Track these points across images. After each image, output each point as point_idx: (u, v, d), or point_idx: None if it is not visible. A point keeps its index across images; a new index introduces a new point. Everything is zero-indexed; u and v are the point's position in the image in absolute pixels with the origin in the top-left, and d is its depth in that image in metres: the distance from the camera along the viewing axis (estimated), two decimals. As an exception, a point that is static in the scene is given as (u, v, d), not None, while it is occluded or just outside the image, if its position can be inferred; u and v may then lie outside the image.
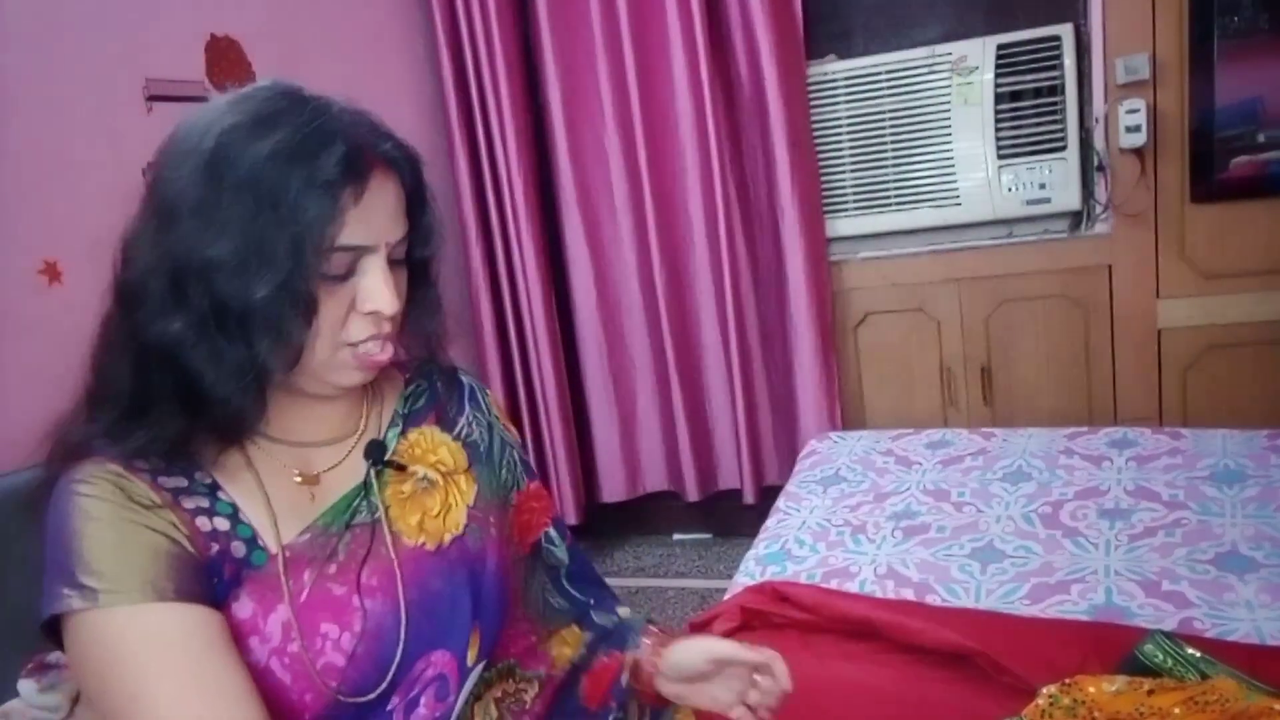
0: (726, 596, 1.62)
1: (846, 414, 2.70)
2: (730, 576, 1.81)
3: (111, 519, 0.73)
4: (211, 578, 0.76)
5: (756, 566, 1.72)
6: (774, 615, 1.49)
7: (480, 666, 0.88)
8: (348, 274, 0.78)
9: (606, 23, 2.62)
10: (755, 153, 2.60)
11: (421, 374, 0.97)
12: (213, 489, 0.80)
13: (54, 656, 1.16)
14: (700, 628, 1.54)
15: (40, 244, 1.59)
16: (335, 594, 0.79)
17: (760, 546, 1.81)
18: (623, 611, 1.08)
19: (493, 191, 2.77)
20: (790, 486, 2.06)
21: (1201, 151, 2.26)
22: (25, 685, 1.15)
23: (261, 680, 0.75)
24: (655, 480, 2.92)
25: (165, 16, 1.89)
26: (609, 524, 3.03)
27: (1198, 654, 1.21)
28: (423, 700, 0.82)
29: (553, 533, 1.05)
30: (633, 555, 2.98)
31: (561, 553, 1.06)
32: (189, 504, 0.77)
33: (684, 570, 2.86)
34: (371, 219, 0.77)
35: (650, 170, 2.64)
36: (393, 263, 0.81)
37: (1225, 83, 2.21)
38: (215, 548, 0.77)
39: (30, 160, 1.61)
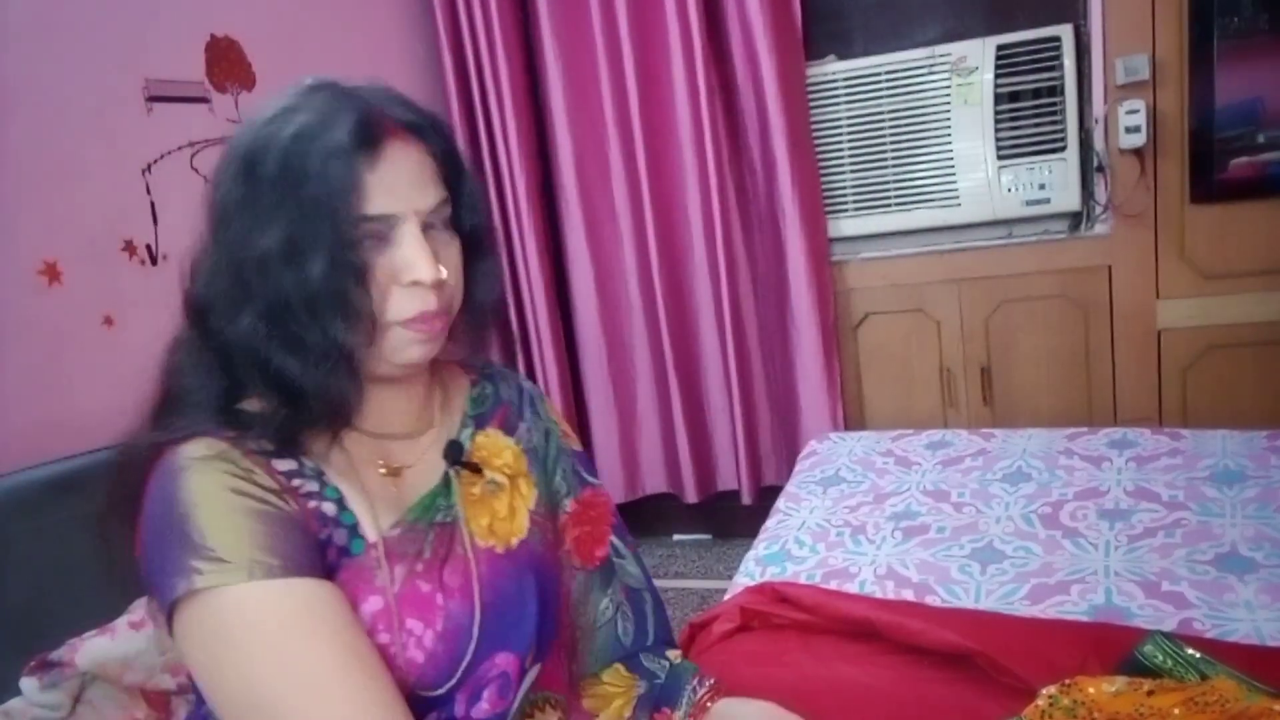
0: (726, 597, 1.62)
1: (847, 414, 2.71)
2: (730, 577, 1.81)
3: (229, 495, 0.73)
4: (323, 554, 0.78)
5: (756, 567, 1.72)
6: (774, 616, 1.49)
7: (536, 669, 0.90)
8: (379, 247, 0.77)
9: (606, 23, 2.62)
10: (754, 153, 2.60)
11: (485, 376, 0.99)
12: (319, 474, 0.81)
13: (55, 655, 1.17)
14: (700, 628, 1.54)
15: (40, 244, 1.59)
16: (423, 591, 0.81)
17: (760, 547, 1.81)
18: (673, 655, 1.07)
19: (494, 192, 2.77)
20: (790, 487, 2.06)
21: (1201, 152, 2.26)
22: (27, 684, 1.15)
23: None
24: (655, 482, 2.92)
25: (165, 16, 1.89)
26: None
27: (1198, 654, 1.21)
28: (485, 695, 0.83)
29: (618, 543, 1.05)
30: (632, 555, 2.98)
31: (633, 567, 1.06)
32: (301, 488, 0.79)
33: (684, 571, 2.86)
34: (394, 186, 0.77)
35: (649, 172, 2.64)
36: (434, 231, 0.80)
37: (1225, 83, 2.21)
38: (326, 532, 0.78)
39: (30, 160, 1.61)
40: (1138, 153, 2.30)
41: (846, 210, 2.61)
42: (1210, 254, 2.31)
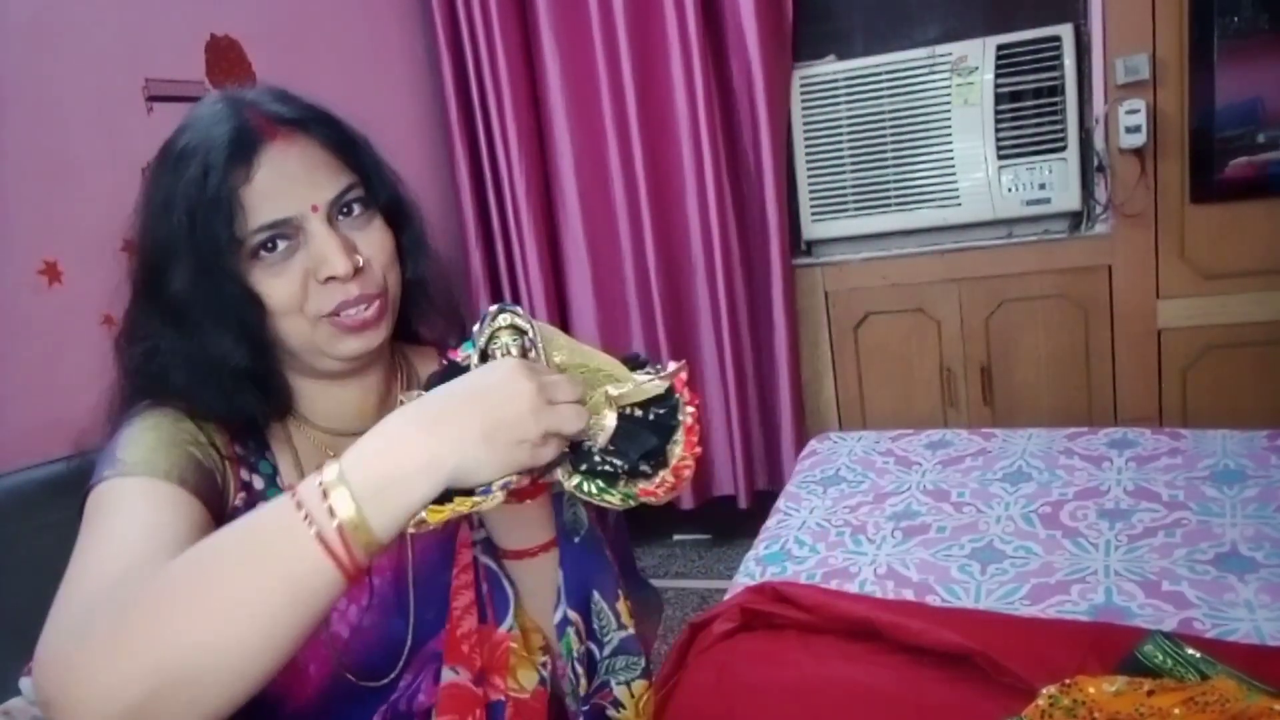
0: (726, 597, 1.62)
1: (844, 414, 2.71)
2: (730, 577, 1.81)
3: (164, 428, 0.77)
4: (222, 516, 0.78)
5: (756, 567, 1.72)
6: (774, 616, 1.49)
7: None
8: (293, 248, 0.77)
9: (605, 24, 2.61)
10: (749, 155, 2.61)
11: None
12: (263, 447, 0.83)
13: (54, 656, 1.16)
14: (700, 628, 1.54)
15: (40, 244, 1.59)
16: None
17: (760, 547, 1.81)
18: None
19: (493, 192, 2.77)
20: (790, 486, 2.06)
21: (1201, 152, 2.26)
22: (27, 684, 1.15)
23: None
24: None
25: (165, 16, 1.89)
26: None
27: (1198, 654, 1.21)
28: (423, 686, 0.82)
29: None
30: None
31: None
32: (238, 450, 0.81)
33: (684, 570, 2.86)
34: (279, 189, 0.76)
35: (647, 173, 2.64)
36: (349, 219, 0.80)
37: (1225, 83, 2.21)
38: (243, 497, 0.80)
39: (30, 160, 1.61)
40: (1138, 153, 2.30)
41: (847, 210, 2.61)
42: (1210, 254, 2.31)
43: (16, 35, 1.61)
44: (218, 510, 0.77)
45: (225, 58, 2.02)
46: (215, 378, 0.78)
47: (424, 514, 0.63)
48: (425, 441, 0.61)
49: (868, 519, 1.81)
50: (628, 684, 0.89)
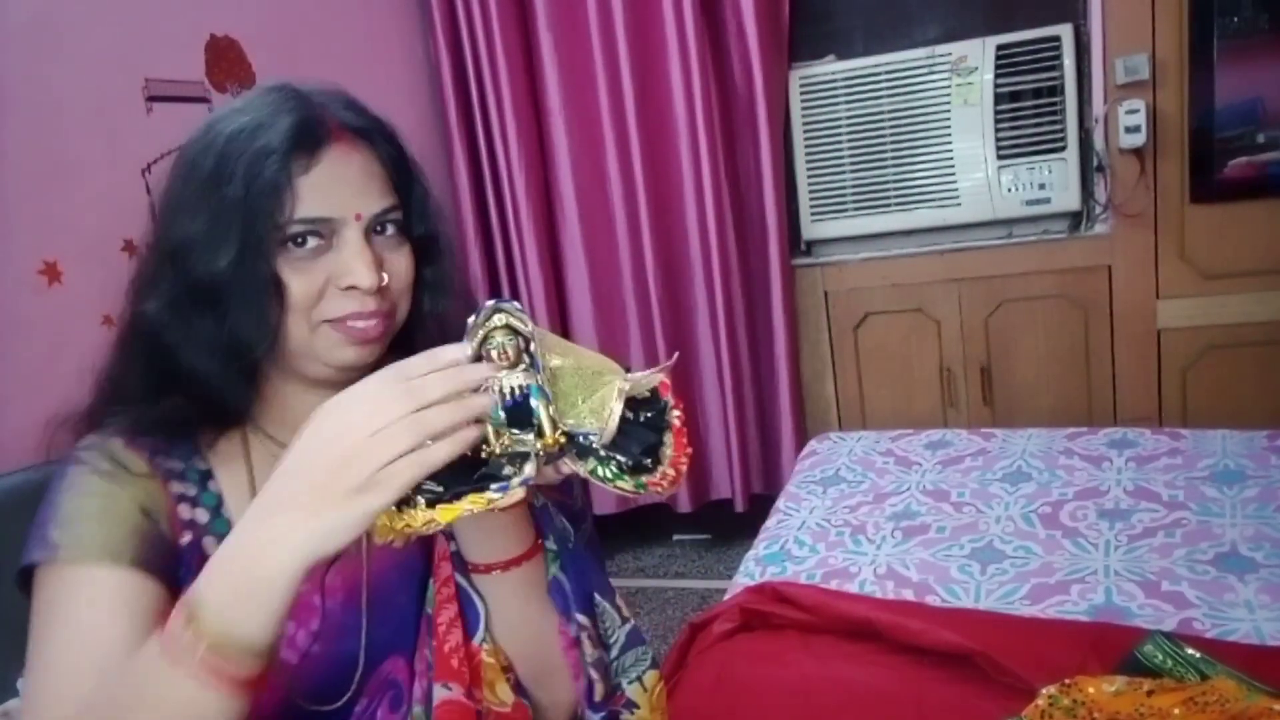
0: (726, 597, 1.62)
1: (844, 414, 2.70)
2: (730, 577, 1.81)
3: (95, 486, 0.76)
4: (178, 563, 0.77)
5: (756, 567, 1.72)
6: (774, 616, 1.49)
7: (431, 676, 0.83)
8: (322, 249, 0.77)
9: (603, 24, 2.61)
10: (747, 155, 2.61)
11: None
12: (205, 477, 0.81)
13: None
14: (700, 628, 1.54)
15: (40, 244, 1.59)
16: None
17: (760, 547, 1.81)
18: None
19: (493, 192, 2.77)
20: (790, 487, 2.06)
21: (1201, 152, 2.27)
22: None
23: None
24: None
25: (165, 16, 1.89)
26: (607, 528, 3.02)
27: (1197, 654, 1.21)
28: (379, 712, 0.79)
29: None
30: (632, 556, 2.98)
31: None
32: (177, 488, 0.79)
33: (683, 571, 2.86)
34: (331, 190, 0.76)
35: (646, 174, 2.64)
36: (382, 237, 0.80)
37: (1225, 83, 2.22)
38: (189, 537, 0.78)
39: (30, 160, 1.61)
40: (1138, 153, 2.30)
41: (846, 210, 2.61)
42: (1210, 254, 2.31)
43: (16, 35, 1.61)
44: (171, 565, 0.77)
45: (225, 58, 2.02)
46: (228, 363, 0.77)
47: (435, 514, 0.63)
48: (269, 537, 0.61)
49: (868, 519, 1.81)
50: (639, 679, 0.88)
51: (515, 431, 0.65)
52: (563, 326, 2.87)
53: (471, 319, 0.66)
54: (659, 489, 0.67)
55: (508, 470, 0.65)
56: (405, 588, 0.82)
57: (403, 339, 0.84)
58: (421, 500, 0.64)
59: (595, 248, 2.78)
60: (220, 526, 0.79)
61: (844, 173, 2.59)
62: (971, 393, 2.58)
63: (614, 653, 0.87)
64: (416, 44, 2.73)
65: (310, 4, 2.31)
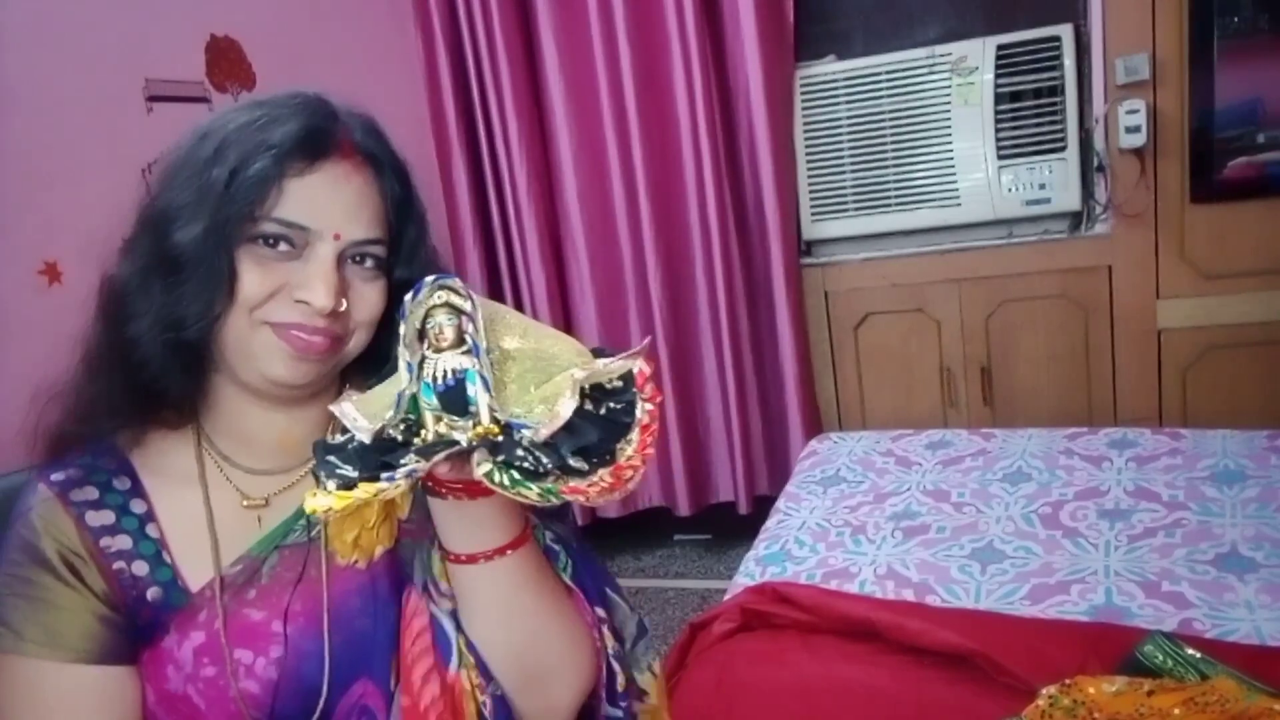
0: (726, 597, 1.62)
1: (844, 414, 2.70)
2: (730, 577, 1.81)
3: (41, 573, 0.76)
4: (129, 626, 0.78)
5: (756, 567, 1.72)
6: (774, 616, 1.49)
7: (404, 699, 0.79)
8: (289, 255, 0.75)
9: (604, 23, 2.61)
10: (748, 155, 2.61)
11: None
12: (143, 521, 0.80)
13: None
14: (700, 628, 1.54)
15: (40, 244, 1.59)
16: (253, 619, 0.77)
17: (760, 547, 1.81)
18: None
19: (494, 192, 2.77)
20: (790, 487, 2.06)
21: (1201, 152, 2.26)
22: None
23: (179, 706, 0.76)
24: (648, 496, 2.88)
25: (165, 16, 1.89)
26: (607, 527, 3.03)
27: (1198, 654, 1.21)
28: None
29: None
30: (632, 556, 2.98)
31: None
32: (111, 546, 0.78)
33: (684, 571, 2.86)
34: (319, 201, 0.75)
35: (647, 174, 2.64)
36: (359, 268, 0.78)
37: (1225, 83, 2.21)
38: (132, 594, 0.78)
39: (30, 160, 1.61)
40: (1138, 153, 2.30)
41: (847, 210, 2.60)
42: (1210, 254, 2.31)
43: (16, 35, 1.61)
44: (123, 647, 0.77)
45: (225, 58, 2.03)
46: (169, 343, 0.76)
47: (332, 501, 0.60)
48: None
49: (868, 519, 1.81)
50: (649, 668, 0.87)
51: (454, 418, 0.61)
52: (565, 326, 2.87)
53: (409, 296, 0.62)
54: (582, 496, 0.61)
55: (406, 460, 0.61)
56: (367, 610, 0.79)
57: (356, 370, 0.82)
58: (331, 484, 0.61)
59: (597, 247, 2.78)
60: (163, 575, 0.78)
61: (844, 173, 2.59)
62: (971, 393, 2.58)
63: (627, 645, 0.85)
64: (417, 43, 2.73)
65: (310, 4, 2.31)
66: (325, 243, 0.75)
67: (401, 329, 0.62)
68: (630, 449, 0.60)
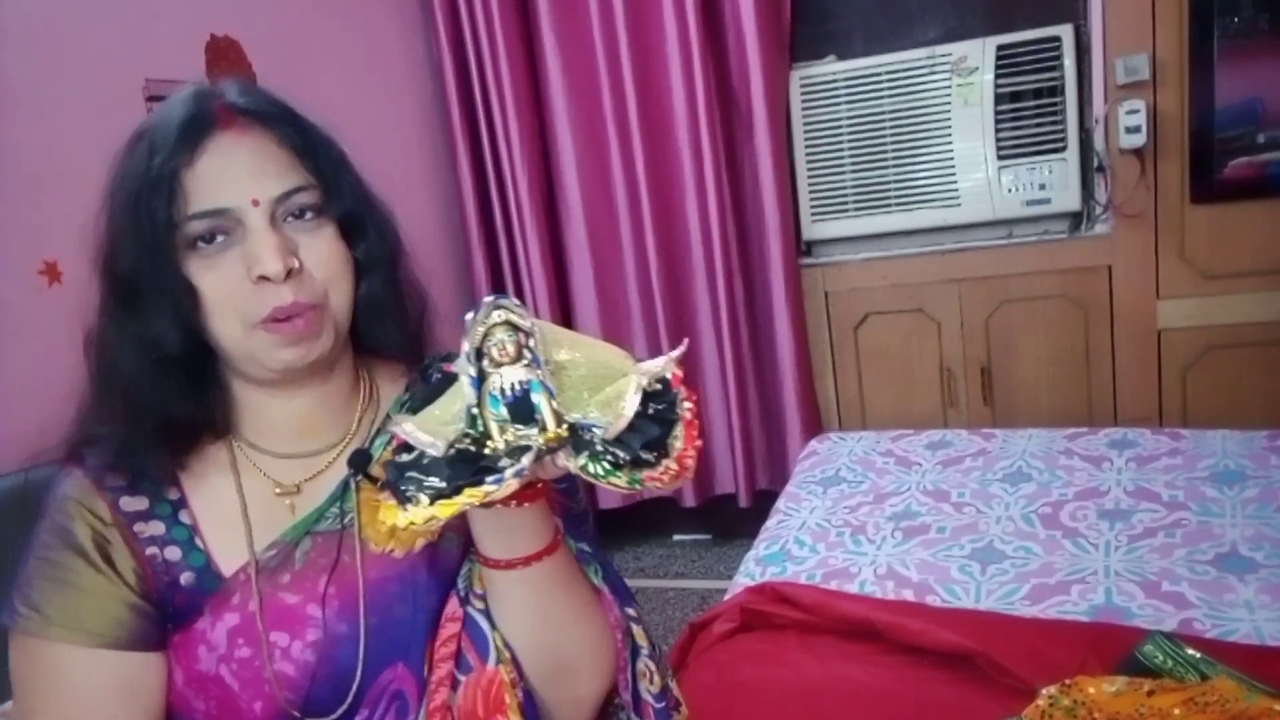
0: (726, 597, 1.62)
1: (844, 414, 2.70)
2: (730, 577, 1.81)
3: (72, 557, 0.77)
4: (160, 613, 0.78)
5: (756, 567, 1.72)
6: (774, 616, 1.49)
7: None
8: (229, 243, 0.75)
9: (605, 23, 2.61)
10: (748, 155, 2.61)
11: (424, 377, 0.89)
12: (176, 508, 0.80)
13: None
14: (700, 628, 1.54)
15: (40, 244, 1.59)
16: (288, 602, 0.78)
17: (760, 547, 1.81)
18: None
19: (496, 192, 2.77)
20: (790, 487, 2.06)
21: (1201, 152, 2.26)
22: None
23: (213, 688, 0.76)
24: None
25: (165, 16, 1.89)
26: (608, 525, 3.03)
27: (1198, 654, 1.21)
28: (385, 718, 0.79)
29: None
30: (632, 556, 2.98)
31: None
32: (144, 531, 0.79)
33: (684, 571, 2.86)
34: (220, 178, 0.74)
35: (648, 173, 2.65)
36: (299, 223, 0.77)
37: (1225, 83, 2.21)
38: (164, 580, 0.78)
39: (30, 160, 1.61)
40: (1138, 153, 2.30)
41: (847, 210, 2.61)
42: (1210, 254, 2.31)
43: (16, 35, 1.61)
44: (157, 623, 0.78)
45: (225, 58, 2.02)
46: (157, 366, 0.77)
47: (435, 510, 0.63)
48: None
49: (868, 519, 1.81)
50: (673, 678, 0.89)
51: (519, 427, 0.65)
52: (566, 325, 2.86)
53: (469, 315, 0.66)
54: (659, 484, 0.66)
55: (504, 463, 0.64)
56: (405, 597, 0.81)
57: (353, 328, 0.84)
58: (424, 497, 0.64)
59: (599, 246, 2.79)
60: (196, 560, 0.79)
61: (844, 173, 2.59)
62: (971, 393, 2.58)
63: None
64: (418, 43, 2.73)
65: (311, 4, 2.31)
66: (250, 213, 0.75)
67: (464, 347, 0.66)
68: (679, 443, 0.66)
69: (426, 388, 0.72)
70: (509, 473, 0.63)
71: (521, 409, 0.65)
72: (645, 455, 0.65)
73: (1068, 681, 1.16)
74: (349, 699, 0.78)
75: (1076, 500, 1.74)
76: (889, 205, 2.56)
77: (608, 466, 0.65)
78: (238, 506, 0.81)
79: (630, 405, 0.65)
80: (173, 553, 0.79)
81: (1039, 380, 2.53)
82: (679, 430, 0.66)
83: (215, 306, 0.76)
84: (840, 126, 2.56)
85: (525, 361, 0.65)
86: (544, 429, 0.65)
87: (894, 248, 2.60)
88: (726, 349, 2.68)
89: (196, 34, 1.98)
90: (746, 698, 1.33)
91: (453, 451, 0.65)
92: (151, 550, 0.78)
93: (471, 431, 0.66)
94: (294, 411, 0.83)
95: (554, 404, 0.65)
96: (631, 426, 0.65)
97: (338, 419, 0.85)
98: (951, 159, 2.47)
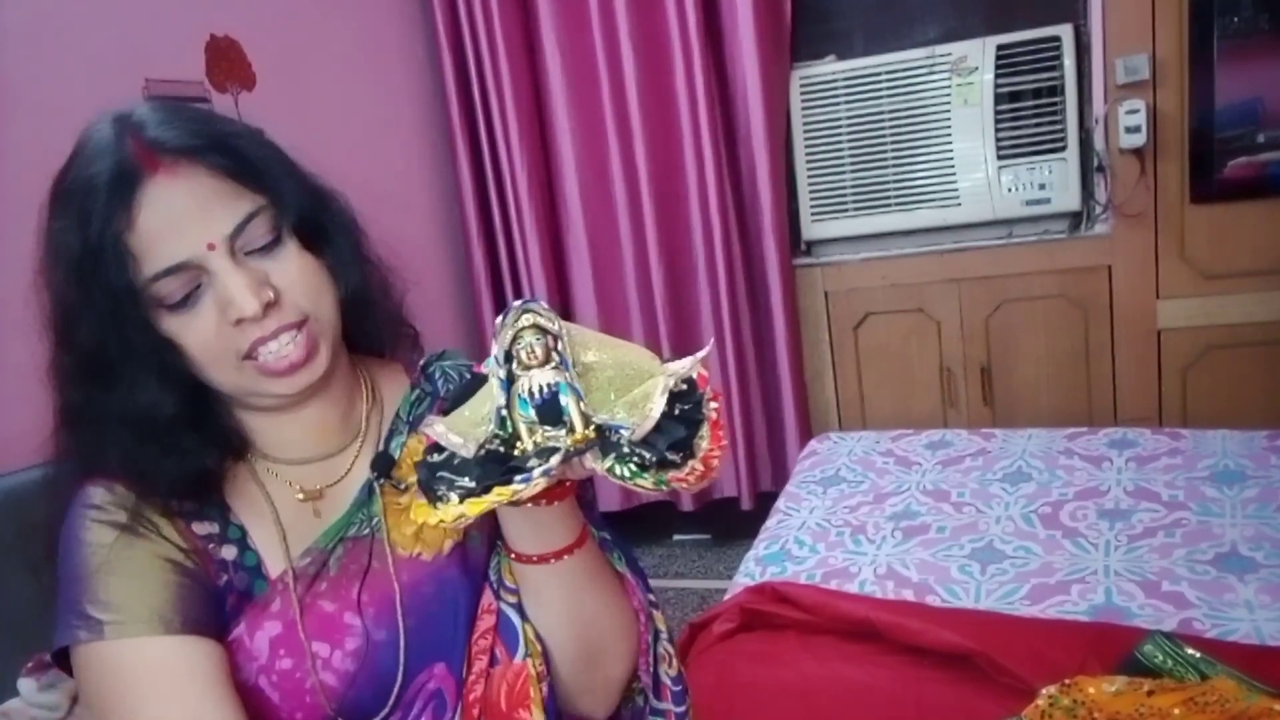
0: (726, 597, 1.62)
1: (844, 414, 2.70)
2: (730, 577, 1.81)
3: (122, 547, 0.73)
4: (221, 604, 0.76)
5: (756, 567, 1.72)
6: (774, 616, 1.49)
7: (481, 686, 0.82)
8: (200, 293, 0.72)
9: (605, 23, 2.61)
10: (748, 155, 2.61)
11: (428, 375, 0.91)
12: (224, 510, 0.80)
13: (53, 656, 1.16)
14: (700, 628, 1.54)
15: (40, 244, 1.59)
16: (326, 611, 0.78)
17: (760, 547, 1.81)
18: None
19: (495, 192, 2.77)
20: (790, 487, 2.06)
21: (1201, 152, 2.26)
22: (25, 684, 1.15)
23: (251, 699, 0.74)
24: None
25: (165, 16, 1.89)
26: (608, 525, 3.02)
27: (1197, 654, 1.21)
28: (422, 718, 0.79)
29: None
30: (633, 555, 2.98)
31: None
32: (201, 529, 0.78)
33: (683, 571, 2.86)
34: (167, 232, 0.70)
35: (649, 173, 2.64)
36: (259, 251, 0.74)
37: (1225, 83, 2.21)
38: (225, 578, 0.77)
39: (30, 160, 1.61)
40: (1138, 153, 2.30)
41: (846, 210, 2.60)
42: (1210, 254, 2.31)
43: (16, 35, 1.61)
44: (217, 612, 0.76)
45: (225, 58, 2.02)
46: (152, 433, 0.74)
47: (464, 508, 0.65)
48: None
49: (868, 519, 1.81)
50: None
51: (547, 429, 0.66)
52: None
53: (499, 319, 0.67)
54: (684, 484, 0.67)
55: (532, 464, 0.65)
56: (442, 598, 0.81)
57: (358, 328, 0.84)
58: (454, 495, 0.65)
59: (599, 247, 2.78)
60: (249, 560, 0.78)
61: (844, 173, 2.59)
62: (971, 393, 2.58)
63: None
64: (418, 43, 2.73)
65: (310, 4, 2.31)
66: (209, 258, 0.71)
67: (493, 350, 0.67)
68: (705, 443, 0.67)
69: (458, 388, 0.73)
70: (536, 472, 0.65)
71: (550, 411, 0.66)
72: (671, 456, 0.66)
73: (1068, 681, 1.16)
74: (390, 703, 0.78)
75: (1076, 500, 1.74)
76: (889, 205, 2.56)
77: (634, 468, 0.66)
78: (270, 514, 0.80)
79: (657, 407, 0.65)
80: (229, 551, 0.78)
81: (1039, 380, 2.53)
82: (705, 431, 0.67)
83: (202, 357, 0.74)
84: (840, 126, 2.56)
85: (553, 364, 0.66)
86: (571, 430, 0.66)
87: (894, 248, 2.60)
88: (727, 349, 2.67)
89: (196, 34, 1.98)
90: (746, 698, 1.34)
91: (483, 452, 0.66)
92: (211, 547, 0.77)
93: (501, 433, 0.66)
94: (303, 423, 0.82)
95: (581, 406, 0.66)
96: (658, 428, 0.66)
97: (345, 419, 0.85)
98: (951, 159, 2.47)
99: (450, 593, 0.81)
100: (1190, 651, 1.21)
